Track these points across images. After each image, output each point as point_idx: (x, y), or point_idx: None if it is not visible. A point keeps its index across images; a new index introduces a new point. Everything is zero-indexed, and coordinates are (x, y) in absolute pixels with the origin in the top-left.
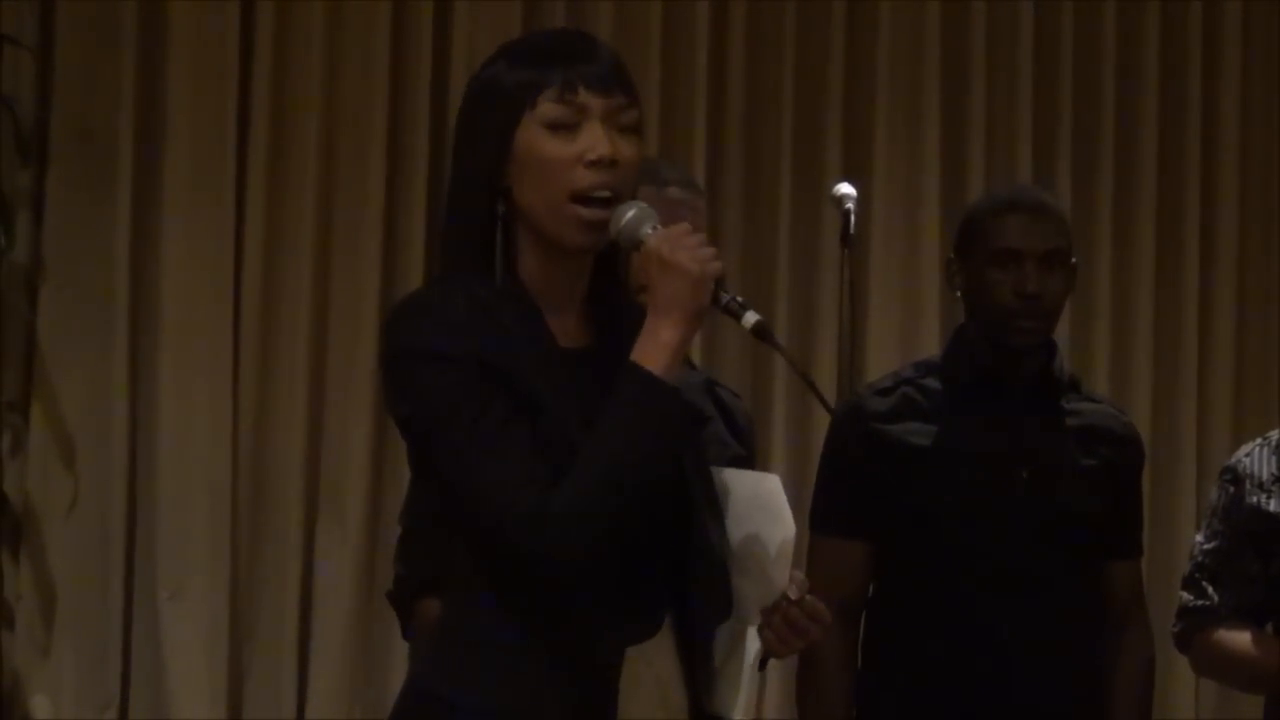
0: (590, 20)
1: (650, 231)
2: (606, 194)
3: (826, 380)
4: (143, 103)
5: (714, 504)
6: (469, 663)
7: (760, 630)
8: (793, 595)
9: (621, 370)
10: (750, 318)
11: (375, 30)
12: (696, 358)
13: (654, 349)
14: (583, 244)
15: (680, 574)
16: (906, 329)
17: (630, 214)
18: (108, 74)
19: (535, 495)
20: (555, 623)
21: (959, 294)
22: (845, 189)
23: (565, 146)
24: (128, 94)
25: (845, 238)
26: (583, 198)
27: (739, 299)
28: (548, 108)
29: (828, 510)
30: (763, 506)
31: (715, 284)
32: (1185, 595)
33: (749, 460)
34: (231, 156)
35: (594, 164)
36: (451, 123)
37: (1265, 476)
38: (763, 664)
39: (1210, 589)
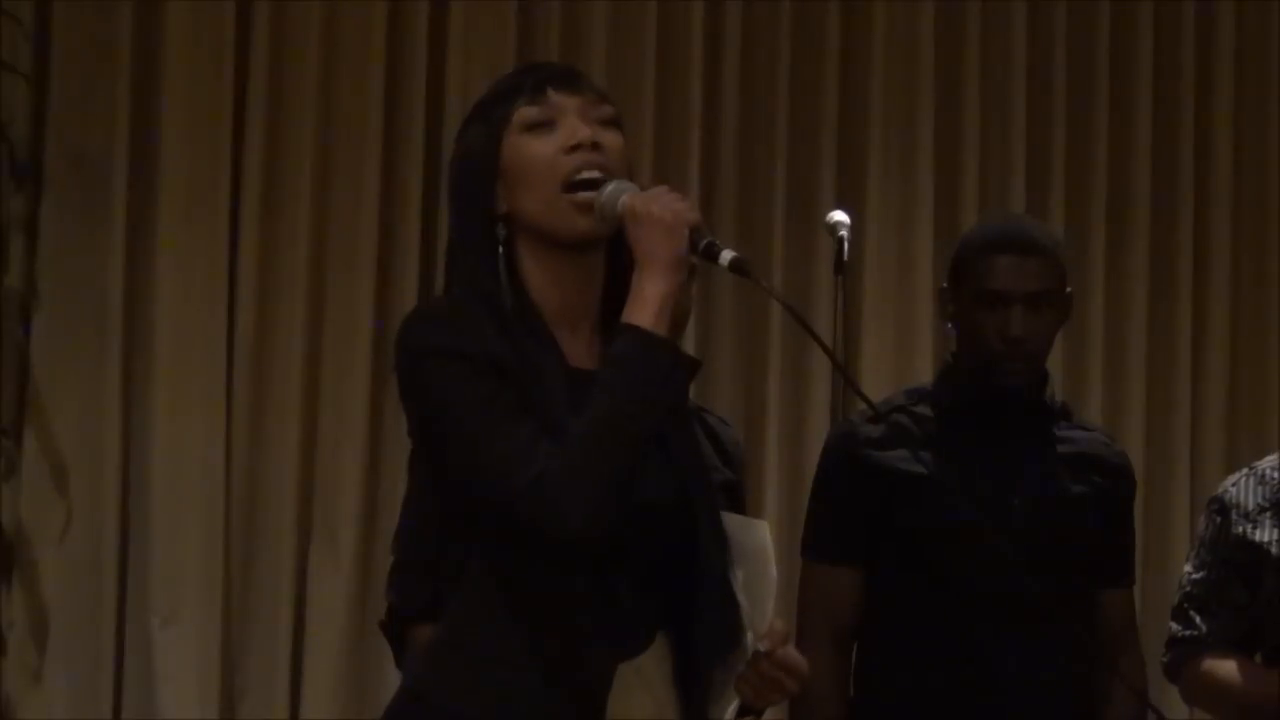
0: (584, 28)
1: (627, 198)
2: (595, 174)
3: (820, 409)
4: (137, 128)
5: (719, 531)
6: (464, 673)
7: (736, 683)
8: (762, 648)
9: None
10: (727, 255)
11: (369, 56)
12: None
13: (641, 305)
14: (582, 230)
15: (682, 597)
16: (900, 356)
17: (609, 188)
18: (102, 99)
19: (540, 464)
20: (548, 636)
21: (950, 325)
22: (839, 216)
23: (547, 142)
24: (122, 120)
25: (839, 265)
26: (573, 184)
27: (716, 241)
28: (522, 113)
29: (820, 536)
30: (749, 554)
31: (691, 231)
32: (1174, 625)
33: (738, 485)
34: (226, 182)
35: (576, 148)
36: (446, 131)
37: (1251, 506)
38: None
39: (1198, 619)
